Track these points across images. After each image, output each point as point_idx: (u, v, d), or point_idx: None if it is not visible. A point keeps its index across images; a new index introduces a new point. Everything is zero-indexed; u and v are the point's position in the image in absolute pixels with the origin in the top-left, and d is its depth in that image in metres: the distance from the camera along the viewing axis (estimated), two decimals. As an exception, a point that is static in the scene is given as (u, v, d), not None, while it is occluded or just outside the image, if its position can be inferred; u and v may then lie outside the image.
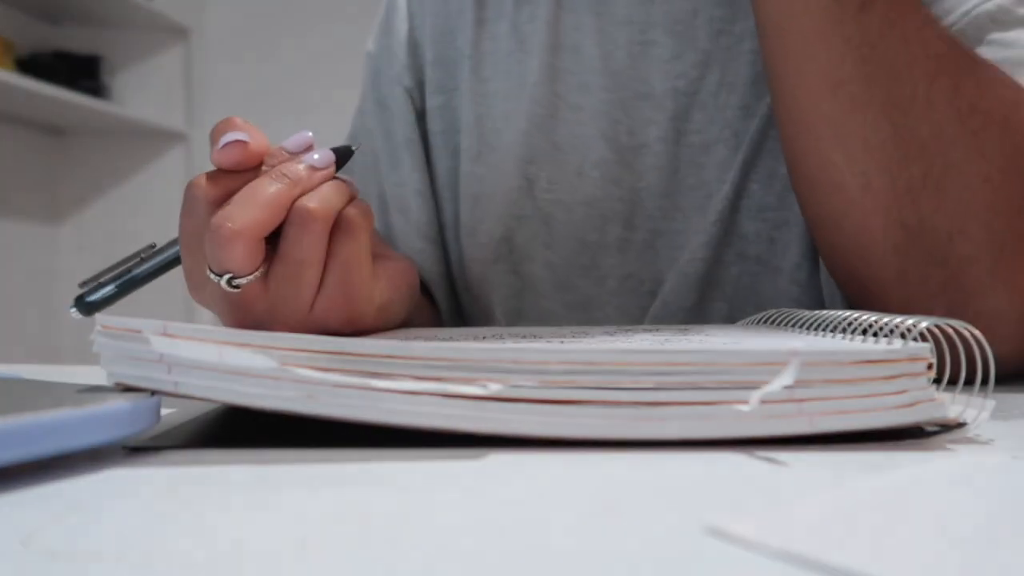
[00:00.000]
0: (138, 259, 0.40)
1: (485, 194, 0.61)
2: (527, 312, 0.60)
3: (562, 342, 0.33)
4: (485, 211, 0.61)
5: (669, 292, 0.56)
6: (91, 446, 0.23)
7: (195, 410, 0.31)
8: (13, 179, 2.40)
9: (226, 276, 0.36)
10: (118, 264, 0.40)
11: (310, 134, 0.39)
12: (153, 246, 0.41)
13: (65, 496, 0.20)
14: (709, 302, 0.56)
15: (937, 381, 0.25)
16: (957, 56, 0.42)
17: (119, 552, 0.16)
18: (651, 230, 0.57)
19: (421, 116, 0.65)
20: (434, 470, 0.23)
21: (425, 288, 0.63)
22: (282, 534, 0.17)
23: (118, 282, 0.40)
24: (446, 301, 0.65)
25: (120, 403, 0.23)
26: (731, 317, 0.56)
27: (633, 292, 0.58)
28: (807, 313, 0.37)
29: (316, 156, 0.38)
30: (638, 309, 0.58)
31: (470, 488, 0.21)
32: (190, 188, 0.37)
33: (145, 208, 2.61)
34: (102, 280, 0.39)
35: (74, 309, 0.39)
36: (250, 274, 0.36)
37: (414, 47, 0.65)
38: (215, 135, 0.37)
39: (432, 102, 0.64)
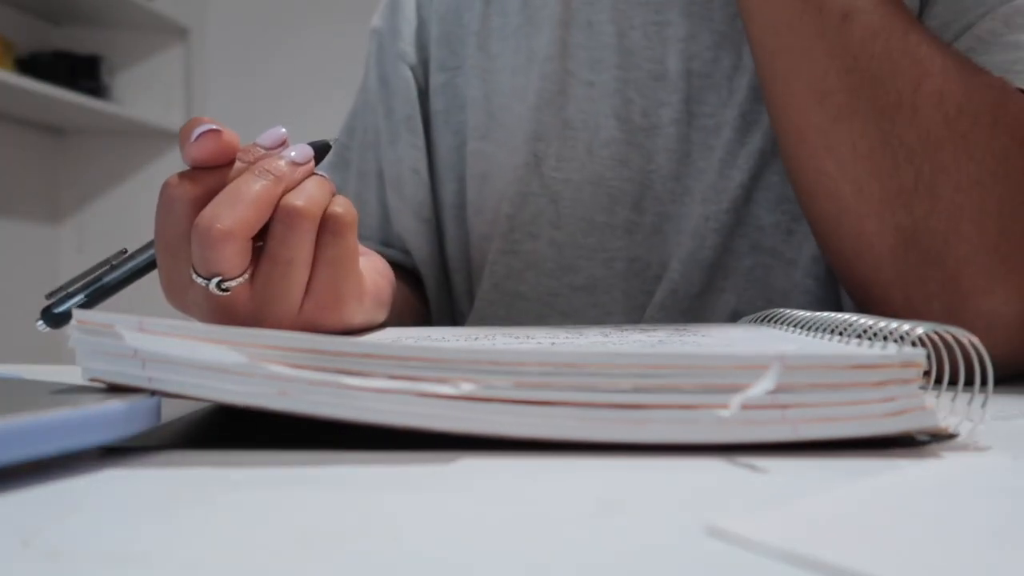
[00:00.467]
0: (108, 266, 0.38)
1: (493, 172, 0.60)
2: (527, 295, 0.59)
3: (553, 343, 0.33)
4: (493, 188, 0.60)
5: (677, 278, 0.55)
6: (91, 446, 0.23)
7: (194, 410, 0.31)
8: (13, 179, 2.40)
9: (215, 279, 0.35)
10: (87, 272, 0.38)
11: (284, 130, 0.38)
12: (124, 251, 0.39)
13: (65, 496, 0.20)
14: (717, 292, 0.55)
15: (938, 381, 0.25)
16: (942, 60, 0.42)
17: (119, 552, 0.16)
18: (659, 213, 0.57)
19: (424, 94, 0.65)
20: (406, 474, 0.23)
21: (402, 276, 0.63)
22: (281, 534, 0.17)
23: (87, 291, 0.37)
24: (435, 283, 0.64)
25: (120, 403, 0.23)
26: (738, 309, 0.55)
27: (639, 276, 0.57)
28: (806, 314, 0.37)
29: (293, 152, 0.37)
30: (643, 293, 0.57)
31: (462, 490, 0.21)
32: (166, 188, 0.36)
33: (145, 208, 2.59)
34: (70, 291, 0.37)
35: (41, 322, 0.37)
36: (240, 276, 0.35)
37: (421, 25, 0.65)
38: (184, 134, 0.36)
39: (435, 80, 0.64)
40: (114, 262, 0.38)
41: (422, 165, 0.63)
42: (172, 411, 0.30)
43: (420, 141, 0.63)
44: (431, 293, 0.65)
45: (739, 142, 0.55)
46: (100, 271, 0.38)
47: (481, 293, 0.61)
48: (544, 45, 0.59)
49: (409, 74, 0.64)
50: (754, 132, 0.55)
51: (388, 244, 0.65)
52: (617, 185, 0.57)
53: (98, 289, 0.38)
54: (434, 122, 0.64)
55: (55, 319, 0.37)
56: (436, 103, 0.64)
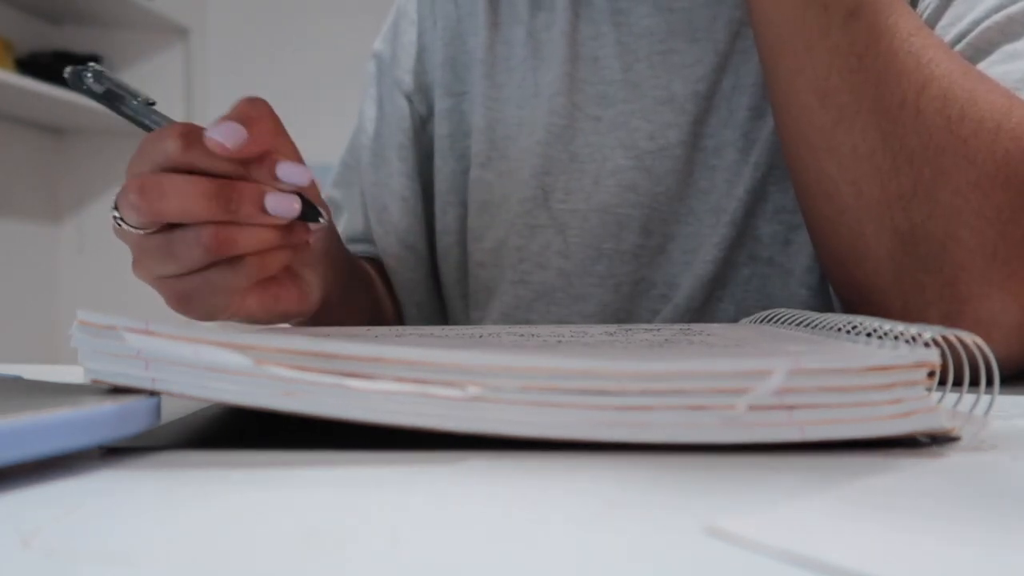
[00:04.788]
0: (143, 100, 0.42)
1: (493, 201, 0.61)
2: (537, 322, 0.60)
3: (560, 340, 0.33)
4: (493, 217, 0.61)
5: (680, 294, 0.56)
6: (91, 446, 0.23)
7: (195, 410, 0.31)
8: (13, 179, 2.40)
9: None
10: (124, 88, 0.42)
11: (298, 206, 0.40)
12: (154, 104, 0.42)
13: (65, 496, 0.20)
14: (716, 302, 0.56)
15: (941, 383, 0.25)
16: (948, 64, 0.42)
17: (119, 552, 0.16)
18: (665, 234, 0.58)
19: (425, 121, 0.65)
20: (409, 474, 0.23)
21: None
22: (282, 534, 0.17)
23: (112, 87, 0.41)
24: (417, 309, 0.65)
25: (120, 403, 0.23)
26: (736, 319, 0.56)
27: (644, 295, 0.58)
28: (811, 315, 0.36)
29: (272, 203, 0.39)
30: (648, 311, 0.58)
31: (466, 490, 0.21)
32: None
33: (145, 208, 2.60)
34: (105, 78, 0.41)
35: (70, 72, 0.41)
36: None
37: (421, 51, 0.65)
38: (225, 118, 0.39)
39: (440, 105, 0.64)
40: (147, 101, 0.42)
41: (413, 193, 0.64)
42: (172, 411, 0.30)
43: (411, 170, 0.64)
44: (408, 314, 0.65)
45: (742, 161, 0.56)
46: (134, 96, 0.42)
47: (491, 322, 0.61)
48: (552, 81, 0.59)
49: (404, 103, 0.65)
50: (755, 148, 0.56)
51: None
52: (624, 212, 0.58)
53: (118, 97, 0.42)
54: (438, 147, 0.64)
55: (76, 77, 0.41)
56: (441, 128, 0.64)
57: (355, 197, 0.67)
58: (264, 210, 0.38)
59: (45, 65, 2.28)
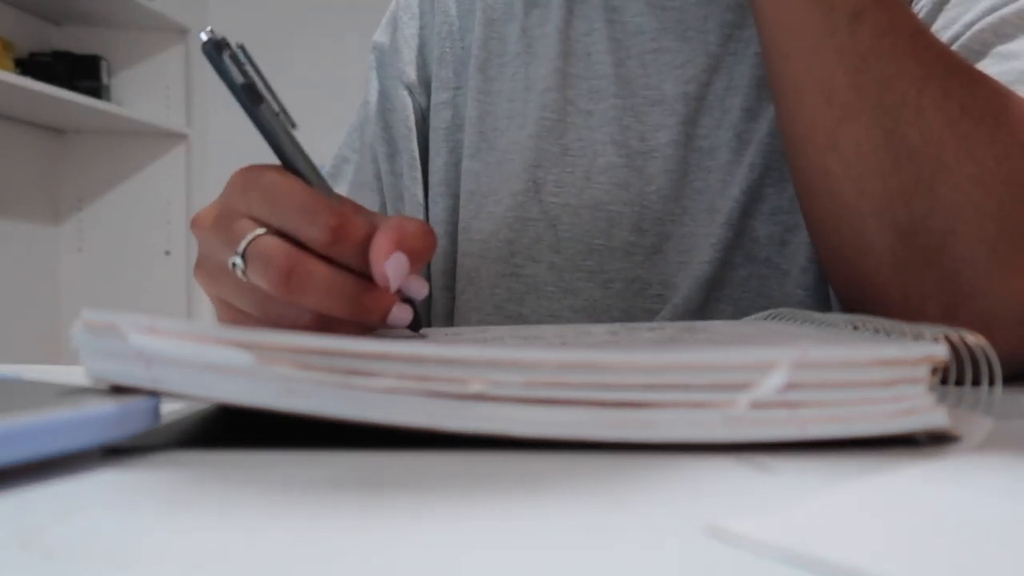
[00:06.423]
0: (280, 112, 0.36)
1: (480, 191, 0.61)
2: (528, 317, 0.60)
3: (564, 343, 0.33)
4: (479, 207, 0.61)
5: (678, 295, 0.56)
6: (91, 446, 0.23)
7: (195, 410, 0.31)
8: (13, 179, 2.40)
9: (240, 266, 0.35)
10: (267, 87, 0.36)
11: (410, 317, 0.38)
12: (293, 126, 0.37)
13: (65, 496, 0.20)
14: (715, 303, 0.56)
15: (942, 382, 0.25)
16: (948, 62, 0.42)
17: (119, 552, 0.16)
18: (659, 234, 0.58)
19: (424, 113, 0.65)
20: (410, 473, 0.23)
21: None
22: (282, 534, 0.17)
23: (257, 79, 0.35)
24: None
25: (120, 403, 0.23)
26: (735, 319, 0.56)
27: (639, 295, 0.58)
28: (813, 314, 0.36)
29: (394, 314, 0.37)
30: (644, 313, 0.58)
31: (464, 491, 0.21)
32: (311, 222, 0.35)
33: (145, 208, 2.61)
34: (249, 63, 0.35)
35: (207, 31, 0.35)
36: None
37: (422, 45, 0.66)
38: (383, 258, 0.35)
39: (437, 97, 0.65)
40: (285, 118, 0.37)
41: (421, 192, 0.65)
42: (172, 411, 0.30)
43: (419, 174, 0.65)
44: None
45: (736, 162, 0.57)
46: (277, 103, 0.36)
47: (483, 315, 0.62)
48: (543, 76, 0.60)
49: (406, 94, 0.65)
50: (749, 149, 0.56)
51: None
52: (615, 209, 0.58)
53: (258, 91, 0.35)
54: (432, 139, 0.65)
55: (215, 45, 0.35)
56: (436, 120, 0.65)
57: (342, 191, 0.68)
58: (384, 318, 0.37)
59: (45, 65, 2.28)
